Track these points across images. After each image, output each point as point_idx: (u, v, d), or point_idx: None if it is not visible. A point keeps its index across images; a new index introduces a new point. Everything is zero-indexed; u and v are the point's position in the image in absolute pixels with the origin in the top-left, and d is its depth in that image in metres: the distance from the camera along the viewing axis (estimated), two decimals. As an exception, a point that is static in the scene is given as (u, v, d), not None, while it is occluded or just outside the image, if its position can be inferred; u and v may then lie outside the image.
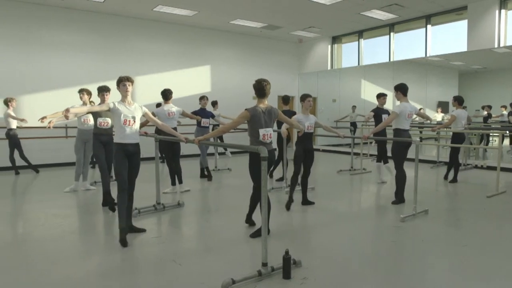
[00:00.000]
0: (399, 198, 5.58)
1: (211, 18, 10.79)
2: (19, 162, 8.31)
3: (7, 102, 7.97)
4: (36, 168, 8.55)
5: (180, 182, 6.43)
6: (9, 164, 8.28)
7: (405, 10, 10.03)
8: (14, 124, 8.02)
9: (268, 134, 3.94)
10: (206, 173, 7.73)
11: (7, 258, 3.59)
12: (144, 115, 4.33)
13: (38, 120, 5.63)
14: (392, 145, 5.59)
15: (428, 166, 9.27)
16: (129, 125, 4.05)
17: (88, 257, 3.66)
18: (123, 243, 3.87)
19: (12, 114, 7.97)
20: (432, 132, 11.03)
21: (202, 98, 7.74)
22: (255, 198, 4.25)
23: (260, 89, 3.94)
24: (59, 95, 9.38)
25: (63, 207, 5.35)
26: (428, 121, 8.35)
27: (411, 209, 4.95)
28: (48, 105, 8.62)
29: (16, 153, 8.19)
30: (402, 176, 5.54)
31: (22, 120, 7.99)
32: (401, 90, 5.51)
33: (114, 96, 4.62)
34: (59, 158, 9.48)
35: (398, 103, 5.61)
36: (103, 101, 5.22)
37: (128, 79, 4.10)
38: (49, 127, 5.75)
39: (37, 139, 9.17)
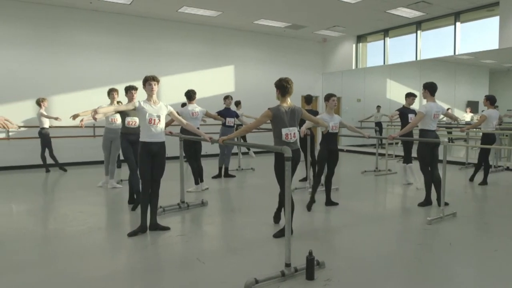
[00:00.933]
0: (426, 200, 5.45)
1: (235, 18, 10.84)
2: (49, 160, 8.56)
3: (39, 102, 8.28)
4: (63, 167, 8.78)
5: (201, 180, 6.50)
6: (41, 162, 8.57)
7: (432, 7, 9.77)
8: (47, 123, 8.31)
9: (292, 133, 3.88)
10: (218, 172, 7.87)
11: (36, 254, 3.73)
12: (169, 114, 4.39)
13: (70, 117, 5.79)
14: (418, 146, 5.46)
15: (456, 167, 9.00)
16: (154, 124, 4.12)
17: (114, 254, 3.75)
18: (143, 229, 4.25)
19: (45, 113, 8.27)
20: (461, 133, 10.70)
21: (227, 97, 7.82)
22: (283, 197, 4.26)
23: (282, 87, 3.89)
24: (87, 95, 9.66)
25: (89, 205, 5.49)
26: (455, 122, 8.10)
27: (438, 212, 4.82)
28: (77, 105, 8.84)
29: (46, 152, 8.45)
30: (428, 178, 5.41)
31: (56, 118, 8.29)
32: (429, 89, 5.35)
33: (140, 96, 4.71)
34: (86, 156, 9.74)
35: (424, 102, 5.46)
36: (131, 99, 5.32)
37: (154, 79, 4.18)
38: (81, 126, 5.92)
39: (66, 138, 9.45)
